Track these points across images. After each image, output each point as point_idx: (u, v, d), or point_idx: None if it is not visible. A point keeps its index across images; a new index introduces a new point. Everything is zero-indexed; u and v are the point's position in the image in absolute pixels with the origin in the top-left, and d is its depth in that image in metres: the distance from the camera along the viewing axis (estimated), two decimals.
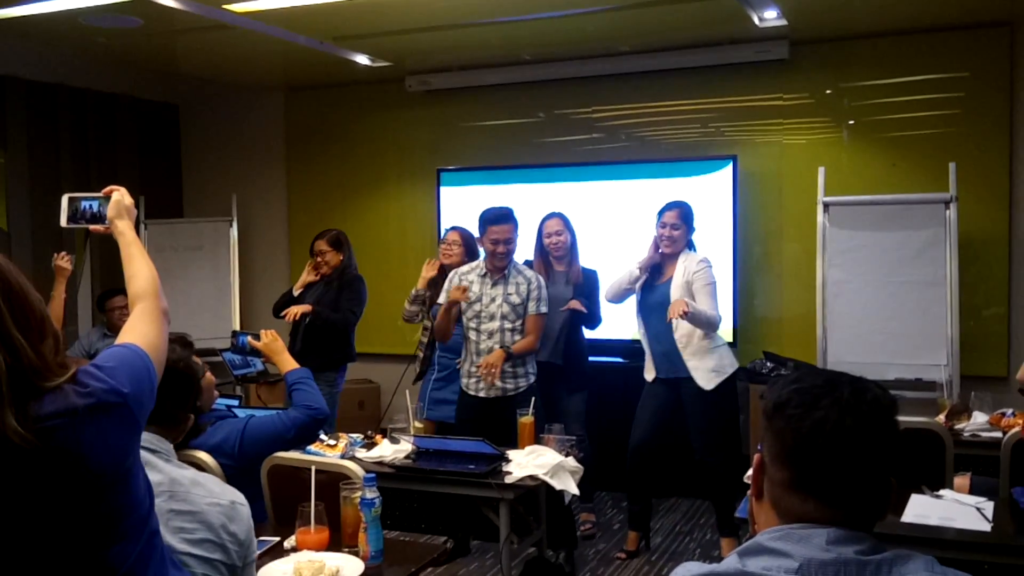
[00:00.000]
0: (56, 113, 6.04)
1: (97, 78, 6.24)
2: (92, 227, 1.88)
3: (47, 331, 1.39)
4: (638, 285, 4.32)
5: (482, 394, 4.12)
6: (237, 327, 6.41)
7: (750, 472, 1.32)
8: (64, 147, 6.11)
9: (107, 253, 6.17)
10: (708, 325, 4.12)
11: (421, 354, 4.77)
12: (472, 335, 4.15)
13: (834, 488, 1.18)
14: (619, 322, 4.94)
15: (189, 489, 1.76)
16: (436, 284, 4.65)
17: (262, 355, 3.24)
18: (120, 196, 1.86)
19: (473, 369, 4.12)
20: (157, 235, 6.54)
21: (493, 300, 4.10)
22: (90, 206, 1.89)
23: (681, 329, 4.16)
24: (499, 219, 4.06)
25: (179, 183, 7.15)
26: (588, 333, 4.74)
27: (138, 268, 1.75)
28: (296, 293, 4.97)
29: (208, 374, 2.60)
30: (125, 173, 6.48)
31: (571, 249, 4.60)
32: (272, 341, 3.16)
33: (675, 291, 4.16)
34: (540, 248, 4.62)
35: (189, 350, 1.97)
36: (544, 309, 4.15)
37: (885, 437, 1.19)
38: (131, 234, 1.82)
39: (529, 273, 4.18)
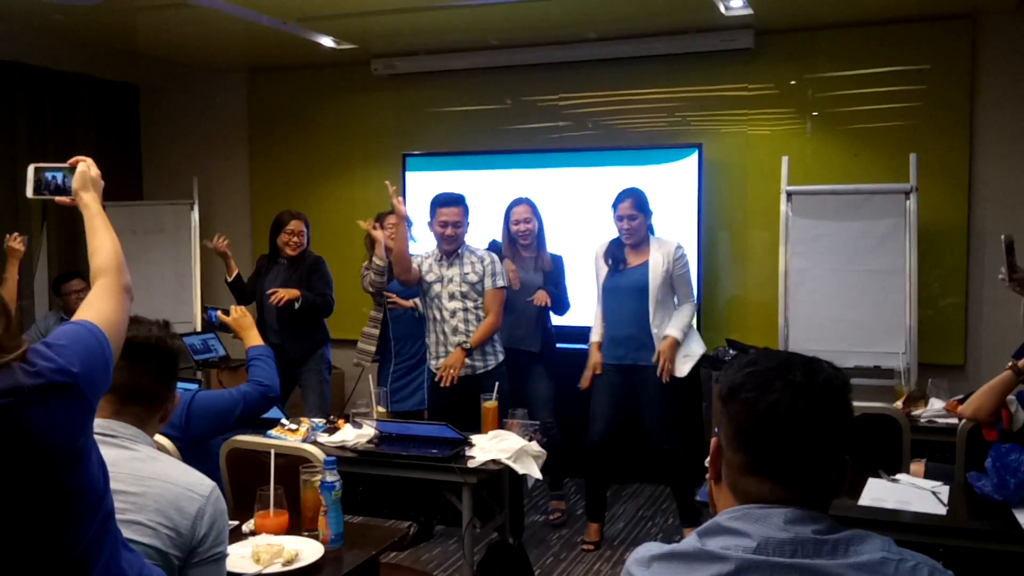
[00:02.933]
0: (12, 92, 5.89)
1: (55, 57, 6.10)
2: (58, 199, 1.85)
3: None
4: (602, 277, 4.33)
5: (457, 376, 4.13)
6: (198, 312, 6.33)
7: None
8: (20, 127, 5.96)
9: (65, 235, 6.05)
10: (690, 325, 4.22)
11: (370, 345, 4.75)
12: (436, 314, 4.18)
13: (790, 469, 1.19)
14: (586, 309, 4.93)
15: (134, 470, 1.70)
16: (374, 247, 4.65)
17: (231, 330, 3.22)
18: (86, 167, 1.82)
19: (441, 351, 4.15)
20: (116, 218, 6.27)
21: (451, 280, 4.14)
22: (55, 177, 1.86)
23: (656, 316, 4.18)
24: (448, 202, 4.12)
25: (139, 165, 7.02)
26: (556, 319, 4.74)
27: (101, 242, 1.71)
28: (231, 279, 4.91)
29: None
30: (83, 154, 6.23)
31: (538, 236, 4.60)
32: (241, 316, 3.17)
33: (654, 276, 4.17)
34: (507, 234, 4.61)
35: (167, 330, 1.93)
36: (501, 283, 4.18)
37: (838, 417, 1.21)
38: (96, 206, 1.78)
39: (482, 252, 4.22)
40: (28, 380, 1.32)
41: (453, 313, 4.13)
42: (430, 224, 4.21)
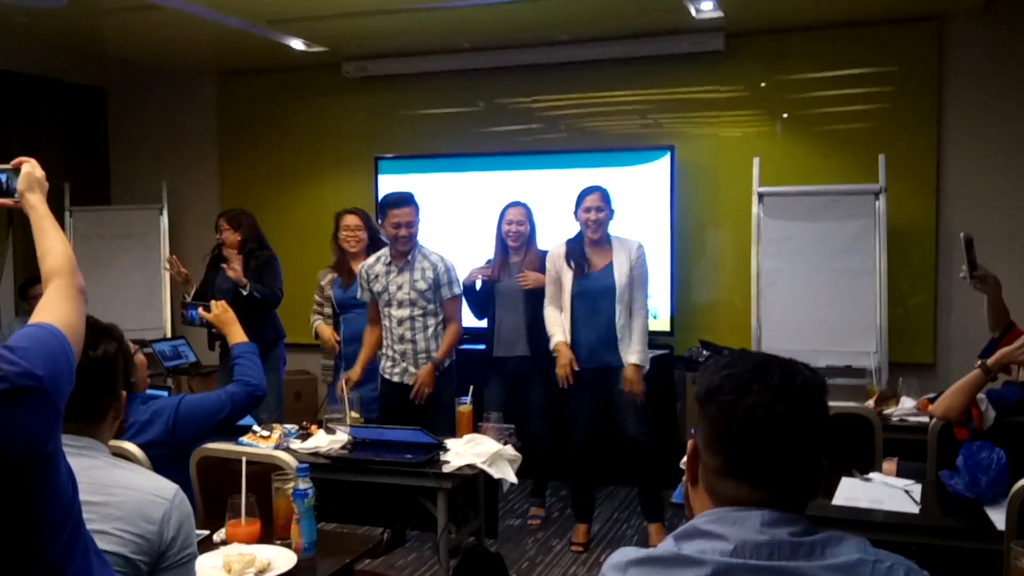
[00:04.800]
0: None
1: (20, 60, 6.01)
2: (1, 201, 1.79)
3: None
4: (568, 282, 4.29)
5: (396, 378, 4.16)
6: (168, 318, 6.26)
7: (685, 459, 1.32)
8: None
9: (31, 240, 5.94)
10: (645, 338, 4.23)
11: (329, 359, 4.77)
12: (385, 322, 4.19)
13: (767, 472, 1.19)
14: None
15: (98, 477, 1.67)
16: (340, 267, 4.70)
17: (213, 326, 3.17)
18: (31, 168, 1.77)
19: (390, 353, 4.17)
20: (83, 223, 6.33)
21: (400, 288, 4.12)
22: None
23: (621, 319, 4.18)
24: (399, 203, 4.06)
25: (106, 169, 6.94)
26: None
27: (51, 244, 1.67)
28: (190, 300, 4.87)
29: (140, 354, 2.53)
30: (49, 158, 6.18)
31: (529, 239, 4.56)
32: (223, 312, 3.12)
33: (619, 277, 4.17)
34: (499, 237, 4.57)
35: (108, 336, 1.88)
36: (457, 290, 4.18)
37: (815, 420, 1.20)
38: (43, 208, 1.74)
39: (434, 257, 4.15)
40: None
41: (400, 321, 4.13)
42: (381, 225, 4.20)
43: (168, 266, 4.98)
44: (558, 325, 4.28)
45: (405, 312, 4.11)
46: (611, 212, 4.26)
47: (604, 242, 4.25)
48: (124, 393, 1.86)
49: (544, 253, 4.54)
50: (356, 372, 4.17)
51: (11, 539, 1.32)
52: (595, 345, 4.24)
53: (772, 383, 1.19)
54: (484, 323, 4.68)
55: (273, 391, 4.77)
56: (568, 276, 4.27)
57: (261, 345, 4.70)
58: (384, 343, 4.20)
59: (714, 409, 1.21)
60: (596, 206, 4.20)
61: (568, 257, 4.28)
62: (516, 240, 4.51)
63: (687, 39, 5.36)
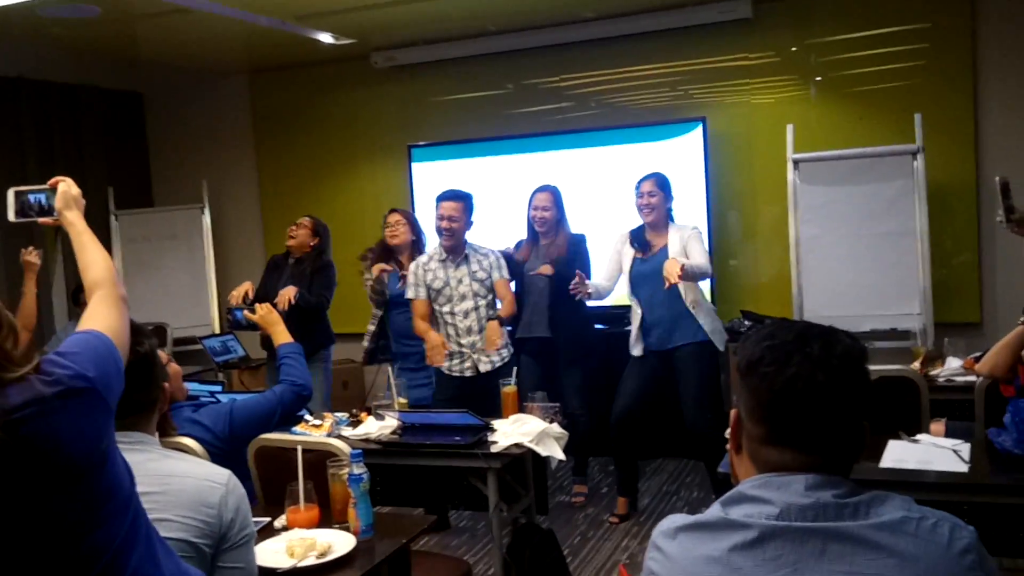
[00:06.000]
0: (18, 107, 5.96)
1: (58, 70, 6.15)
2: (41, 220, 1.87)
3: (1, 323, 1.38)
4: (628, 264, 4.35)
5: (468, 373, 4.22)
6: (216, 315, 6.39)
7: (729, 429, 1.35)
8: (28, 142, 6.02)
9: None
10: (702, 275, 4.24)
11: (367, 341, 4.82)
12: (448, 319, 4.24)
13: (810, 439, 1.21)
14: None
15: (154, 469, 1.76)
16: (377, 254, 4.76)
17: (258, 327, 3.26)
18: (67, 187, 1.84)
19: (455, 348, 4.22)
20: (128, 226, 6.48)
21: (460, 281, 4.21)
22: (38, 199, 1.88)
23: (689, 295, 4.22)
24: (447, 197, 4.22)
25: (147, 172, 7.08)
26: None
27: (92, 257, 1.74)
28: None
29: (173, 364, 2.61)
30: (92, 165, 6.41)
31: (556, 224, 4.59)
32: (267, 313, 3.21)
33: (675, 255, 4.20)
34: (529, 221, 4.62)
35: (144, 335, 1.95)
36: (507, 274, 4.33)
37: (856, 387, 1.22)
38: (81, 224, 1.81)
39: (485, 249, 4.33)
40: (47, 389, 1.36)
41: (466, 313, 4.21)
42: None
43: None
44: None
45: (469, 304, 4.21)
46: (668, 197, 4.35)
47: (661, 227, 4.34)
48: (166, 385, 1.93)
49: (576, 236, 4.58)
50: (437, 356, 4.15)
51: (74, 533, 1.40)
52: (656, 326, 4.30)
53: (812, 353, 1.21)
54: None
55: (321, 392, 4.88)
56: (629, 259, 4.37)
57: (312, 348, 4.85)
58: (446, 337, 4.24)
59: (756, 380, 1.23)
60: (649, 191, 4.32)
61: (632, 240, 4.38)
62: (543, 225, 4.56)
63: (714, 8, 5.32)
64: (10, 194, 1.87)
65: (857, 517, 1.16)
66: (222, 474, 1.81)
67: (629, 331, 4.45)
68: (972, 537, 1.17)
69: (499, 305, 4.34)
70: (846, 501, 1.18)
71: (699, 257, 4.18)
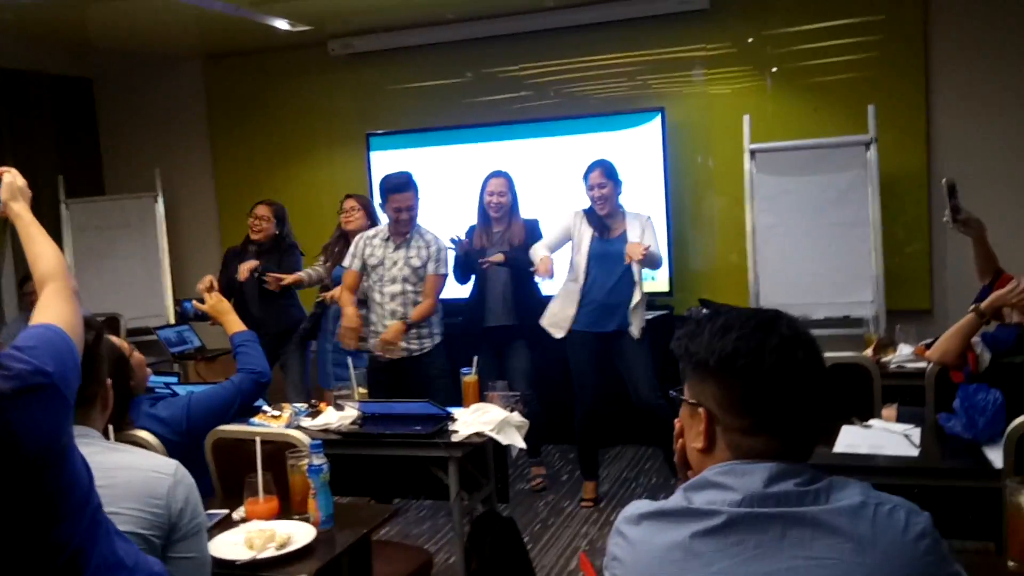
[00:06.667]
0: None
1: (5, 56, 5.99)
2: None
3: None
4: (586, 243, 4.38)
5: (395, 357, 4.20)
6: (170, 305, 6.29)
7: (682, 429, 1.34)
8: None
9: None
10: (656, 263, 4.31)
11: (309, 324, 4.86)
12: (376, 296, 4.25)
13: (792, 422, 1.23)
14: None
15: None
16: (334, 249, 4.84)
17: (210, 318, 3.21)
18: (11, 177, 1.81)
19: (379, 328, 4.23)
20: (79, 214, 6.35)
21: (395, 264, 4.20)
22: None
23: (637, 294, 4.31)
24: (399, 187, 4.17)
25: (98, 160, 6.94)
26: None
27: (41, 248, 1.72)
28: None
29: (136, 352, 2.57)
30: (41, 152, 6.26)
31: (511, 209, 4.62)
32: (217, 302, 3.15)
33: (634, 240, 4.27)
34: (481, 207, 4.62)
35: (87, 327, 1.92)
36: (443, 271, 4.27)
37: (822, 359, 1.26)
38: (28, 215, 1.79)
39: (430, 236, 4.27)
40: (6, 384, 1.34)
41: (392, 296, 4.20)
42: (383, 207, 4.27)
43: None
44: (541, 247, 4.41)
45: (397, 288, 4.19)
46: (617, 184, 4.38)
47: (616, 214, 4.39)
48: (109, 381, 1.90)
49: (529, 222, 4.61)
50: (351, 318, 4.19)
51: (34, 529, 1.39)
52: (605, 308, 4.36)
53: (786, 335, 1.23)
54: (467, 292, 4.73)
55: (298, 372, 4.89)
56: (587, 237, 4.38)
57: (286, 324, 4.85)
58: (372, 320, 4.26)
59: (732, 374, 1.23)
60: (599, 183, 4.34)
61: (590, 220, 4.39)
62: (497, 211, 4.58)
63: None
64: None
65: (818, 502, 1.19)
66: (169, 464, 1.79)
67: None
68: (927, 522, 1.19)
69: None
70: (807, 488, 1.20)
71: (655, 248, 4.27)
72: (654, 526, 1.24)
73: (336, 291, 4.61)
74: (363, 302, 4.39)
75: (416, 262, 4.19)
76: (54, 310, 1.58)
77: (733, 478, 1.21)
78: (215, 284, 4.57)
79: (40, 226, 1.77)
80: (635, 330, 4.32)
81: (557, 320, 4.43)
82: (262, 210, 4.96)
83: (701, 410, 1.27)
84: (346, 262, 4.32)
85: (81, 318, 1.63)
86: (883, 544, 1.15)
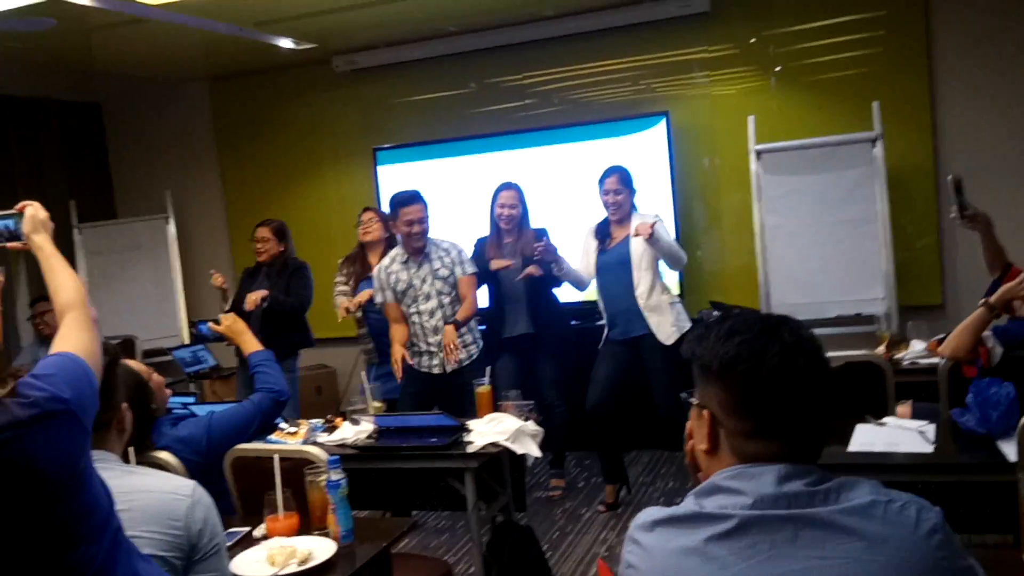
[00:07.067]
0: None
1: (15, 83, 6.06)
2: (10, 245, 1.87)
3: None
4: (592, 256, 4.41)
5: (436, 371, 4.21)
6: (184, 325, 6.34)
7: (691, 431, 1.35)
8: None
9: None
10: (675, 254, 4.30)
11: (366, 344, 4.90)
12: (414, 318, 4.25)
13: (793, 426, 1.24)
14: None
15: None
16: (355, 260, 4.87)
17: (225, 339, 3.23)
18: (34, 211, 1.84)
19: (423, 347, 4.23)
20: (92, 238, 6.41)
21: (424, 281, 4.21)
22: (6, 225, 1.87)
23: (642, 286, 4.30)
24: (408, 200, 4.18)
25: (109, 184, 7.00)
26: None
27: (62, 280, 1.75)
28: (227, 308, 4.98)
29: (155, 375, 2.60)
30: (52, 178, 6.33)
31: (521, 221, 4.63)
32: (233, 323, 3.17)
33: (635, 247, 4.31)
34: (492, 219, 4.64)
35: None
36: (471, 269, 4.27)
37: (827, 365, 1.27)
38: (49, 247, 1.82)
39: (446, 244, 4.29)
40: (24, 412, 1.37)
41: (431, 313, 4.21)
42: (393, 224, 4.30)
43: (214, 276, 5.06)
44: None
45: (433, 303, 4.20)
46: (631, 191, 4.42)
47: (627, 219, 4.42)
48: (125, 404, 1.93)
49: (539, 231, 4.63)
50: (398, 354, 4.17)
51: (53, 554, 1.41)
52: (621, 316, 4.40)
53: (787, 341, 1.24)
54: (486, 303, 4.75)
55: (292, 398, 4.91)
56: (593, 251, 4.44)
57: (285, 349, 4.86)
58: (414, 341, 4.26)
59: (734, 378, 1.24)
60: (614, 188, 4.38)
61: (596, 232, 4.46)
62: (508, 223, 4.60)
63: (673, 2, 5.38)
64: None
65: (828, 503, 1.20)
66: (186, 485, 1.81)
67: (601, 326, 4.54)
68: (938, 517, 1.20)
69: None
70: (817, 489, 1.21)
71: (668, 238, 4.29)
72: (668, 532, 1.25)
73: (361, 296, 4.64)
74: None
75: (444, 272, 4.21)
76: (73, 339, 1.61)
77: (742, 482, 1.23)
78: (226, 286, 4.72)
79: (61, 257, 1.80)
80: (661, 336, 4.31)
81: (604, 335, 4.51)
82: (262, 232, 4.96)
83: (705, 412, 1.29)
84: (378, 298, 4.34)
85: (100, 346, 1.66)
86: (895, 541, 1.16)
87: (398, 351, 4.17)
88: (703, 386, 1.30)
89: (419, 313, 4.22)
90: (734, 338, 1.26)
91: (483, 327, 4.71)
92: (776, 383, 1.23)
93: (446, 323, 4.14)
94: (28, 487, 1.37)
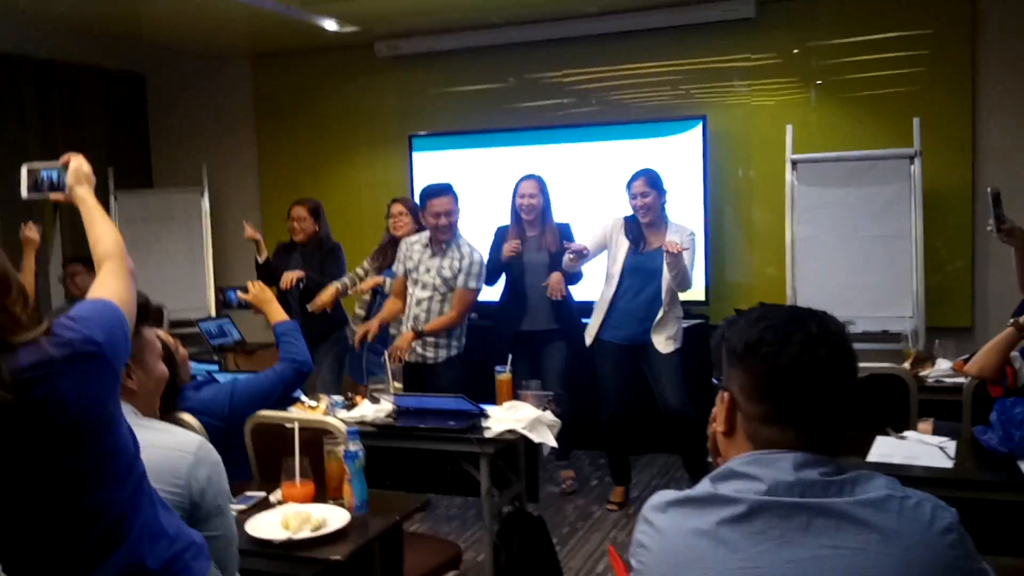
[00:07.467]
0: (21, 86, 5.96)
1: (63, 49, 6.16)
2: (52, 196, 1.90)
3: (11, 286, 1.41)
4: (622, 254, 4.37)
5: (413, 359, 4.26)
6: (212, 298, 6.40)
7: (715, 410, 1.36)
8: (30, 120, 6.03)
9: (78, 223, 6.08)
10: (686, 279, 4.26)
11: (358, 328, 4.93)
12: (409, 299, 4.31)
13: (810, 415, 1.25)
14: (589, 282, 4.98)
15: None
16: (385, 253, 4.86)
17: (252, 307, 3.27)
18: (78, 164, 1.88)
19: (404, 330, 4.28)
20: (127, 206, 6.49)
21: (428, 271, 4.25)
22: (49, 175, 1.91)
23: (668, 296, 4.30)
24: (438, 192, 4.20)
25: (148, 154, 7.09)
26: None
27: (102, 231, 1.78)
28: (262, 260, 5.07)
29: (182, 348, 2.63)
30: (93, 144, 6.40)
31: (543, 212, 4.64)
32: (260, 291, 3.20)
33: (671, 258, 4.25)
34: (514, 209, 4.66)
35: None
36: (474, 285, 4.26)
37: (851, 362, 1.27)
38: (92, 200, 1.85)
39: (467, 248, 4.28)
40: (57, 352, 1.40)
41: (419, 302, 4.25)
42: (421, 214, 4.32)
43: (246, 228, 5.19)
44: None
45: (426, 294, 4.24)
46: (662, 193, 4.35)
47: (660, 224, 4.35)
48: (147, 359, 1.96)
49: (561, 226, 4.63)
50: (373, 326, 4.33)
51: (77, 494, 1.45)
52: (632, 321, 4.37)
53: (811, 331, 1.25)
54: (496, 296, 4.79)
55: (332, 373, 4.97)
56: (623, 249, 4.37)
57: (324, 329, 4.94)
58: (403, 320, 4.33)
59: (755, 361, 1.26)
60: (641, 191, 4.31)
61: (627, 231, 4.37)
62: (530, 213, 4.60)
63: (718, 7, 5.36)
64: (23, 170, 1.90)
65: (842, 494, 1.20)
66: (191, 443, 1.84)
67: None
68: (953, 517, 1.20)
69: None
70: (832, 479, 1.21)
71: (688, 261, 4.25)
72: (680, 513, 1.26)
73: (368, 283, 4.69)
74: None
75: (447, 273, 4.22)
76: (110, 287, 1.64)
77: (759, 467, 1.23)
78: (257, 237, 4.70)
79: (102, 210, 1.84)
80: (660, 345, 4.32)
81: (590, 328, 4.47)
82: (299, 211, 5.02)
83: (726, 395, 1.31)
84: (395, 267, 4.40)
85: (135, 296, 1.69)
86: (908, 536, 1.16)
87: (373, 324, 4.29)
88: (728, 369, 1.31)
89: (410, 296, 4.29)
90: (760, 323, 1.27)
91: (489, 322, 4.73)
92: (795, 370, 1.23)
93: (412, 329, 4.18)
94: (56, 426, 1.40)
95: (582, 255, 4.28)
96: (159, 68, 6.95)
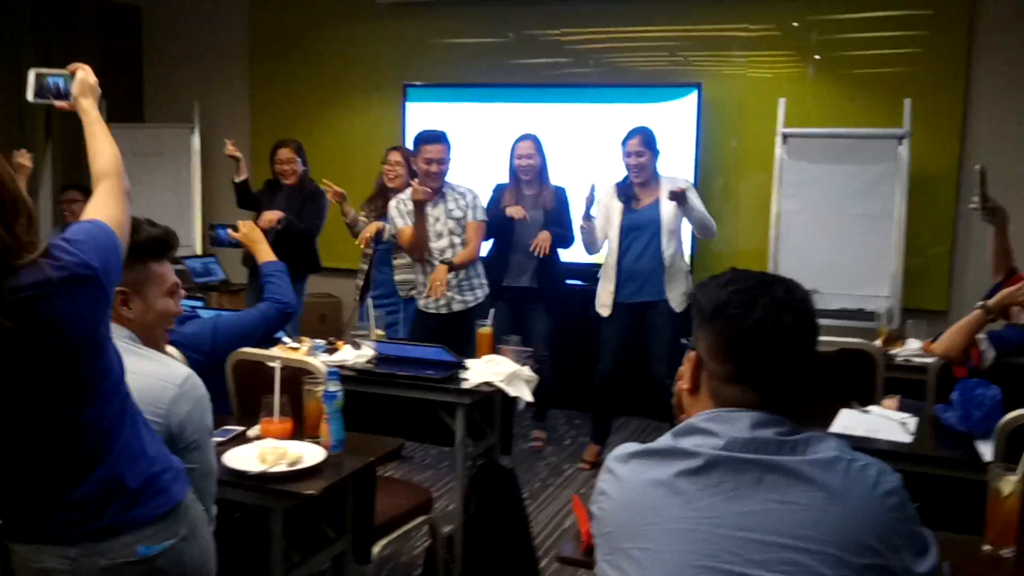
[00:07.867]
0: (18, 14, 5.90)
1: None
2: (57, 103, 1.91)
3: (20, 210, 1.45)
4: (617, 217, 4.41)
5: (443, 311, 4.26)
6: (199, 236, 6.41)
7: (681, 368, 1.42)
8: (26, 49, 5.98)
9: (69, 150, 6.07)
10: (706, 222, 4.35)
11: (359, 279, 4.95)
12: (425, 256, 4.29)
13: (770, 377, 1.31)
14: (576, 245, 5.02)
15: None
16: (375, 201, 4.87)
17: (241, 245, 3.30)
18: (84, 74, 1.89)
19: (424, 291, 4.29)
20: (118, 139, 6.16)
21: (436, 220, 4.24)
22: (56, 82, 1.92)
23: (668, 250, 4.36)
24: (433, 139, 4.21)
25: (140, 88, 7.03)
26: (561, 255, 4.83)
27: (102, 147, 1.79)
28: (239, 180, 5.09)
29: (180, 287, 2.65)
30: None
31: (540, 172, 4.67)
32: (250, 231, 3.23)
33: (666, 212, 4.31)
34: (512, 169, 4.68)
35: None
36: (482, 216, 4.31)
37: (813, 330, 1.33)
38: (95, 112, 1.87)
39: (463, 188, 4.32)
40: (55, 273, 1.44)
41: (441, 252, 4.25)
42: (413, 159, 4.33)
43: (227, 145, 5.20)
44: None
45: (444, 243, 4.25)
46: (655, 153, 4.41)
47: (652, 182, 4.41)
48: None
49: (559, 189, 4.66)
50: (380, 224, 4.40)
51: (68, 410, 1.51)
52: (638, 279, 4.43)
53: (777, 297, 1.31)
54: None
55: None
56: (618, 210, 4.42)
57: (295, 272, 4.91)
58: (422, 281, 4.30)
59: (722, 322, 1.31)
60: (636, 151, 4.36)
61: (619, 193, 4.42)
62: (528, 173, 4.63)
63: None
64: (31, 74, 1.91)
65: (795, 453, 1.27)
66: (177, 375, 1.84)
67: (582, 286, 4.56)
68: (897, 481, 1.27)
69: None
70: (786, 439, 1.28)
71: (700, 204, 4.31)
72: (641, 464, 1.33)
73: (370, 228, 4.66)
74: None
75: (458, 213, 4.26)
76: (104, 208, 1.66)
77: (718, 424, 1.29)
78: (238, 155, 4.83)
79: (104, 125, 1.84)
80: (675, 303, 4.37)
81: (603, 300, 4.51)
82: (285, 153, 5.01)
83: (692, 353, 1.37)
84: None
85: (129, 218, 1.71)
86: (852, 496, 1.23)
87: (439, 273, 4.20)
88: (697, 330, 1.36)
89: (429, 251, 4.27)
90: (729, 287, 1.33)
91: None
92: (758, 333, 1.29)
93: (441, 262, 4.19)
94: (50, 345, 1.45)
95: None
96: (156, 2, 6.87)
